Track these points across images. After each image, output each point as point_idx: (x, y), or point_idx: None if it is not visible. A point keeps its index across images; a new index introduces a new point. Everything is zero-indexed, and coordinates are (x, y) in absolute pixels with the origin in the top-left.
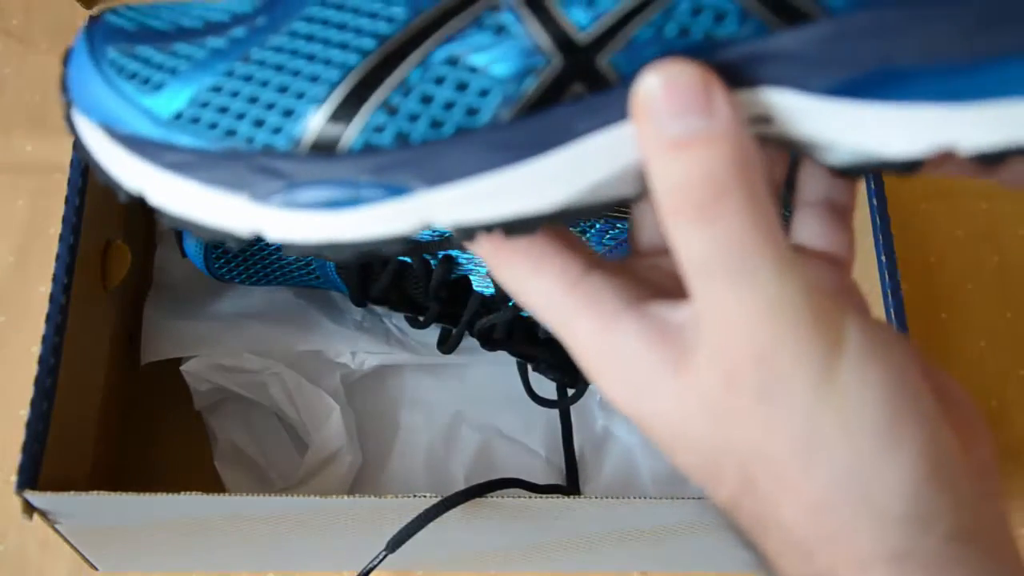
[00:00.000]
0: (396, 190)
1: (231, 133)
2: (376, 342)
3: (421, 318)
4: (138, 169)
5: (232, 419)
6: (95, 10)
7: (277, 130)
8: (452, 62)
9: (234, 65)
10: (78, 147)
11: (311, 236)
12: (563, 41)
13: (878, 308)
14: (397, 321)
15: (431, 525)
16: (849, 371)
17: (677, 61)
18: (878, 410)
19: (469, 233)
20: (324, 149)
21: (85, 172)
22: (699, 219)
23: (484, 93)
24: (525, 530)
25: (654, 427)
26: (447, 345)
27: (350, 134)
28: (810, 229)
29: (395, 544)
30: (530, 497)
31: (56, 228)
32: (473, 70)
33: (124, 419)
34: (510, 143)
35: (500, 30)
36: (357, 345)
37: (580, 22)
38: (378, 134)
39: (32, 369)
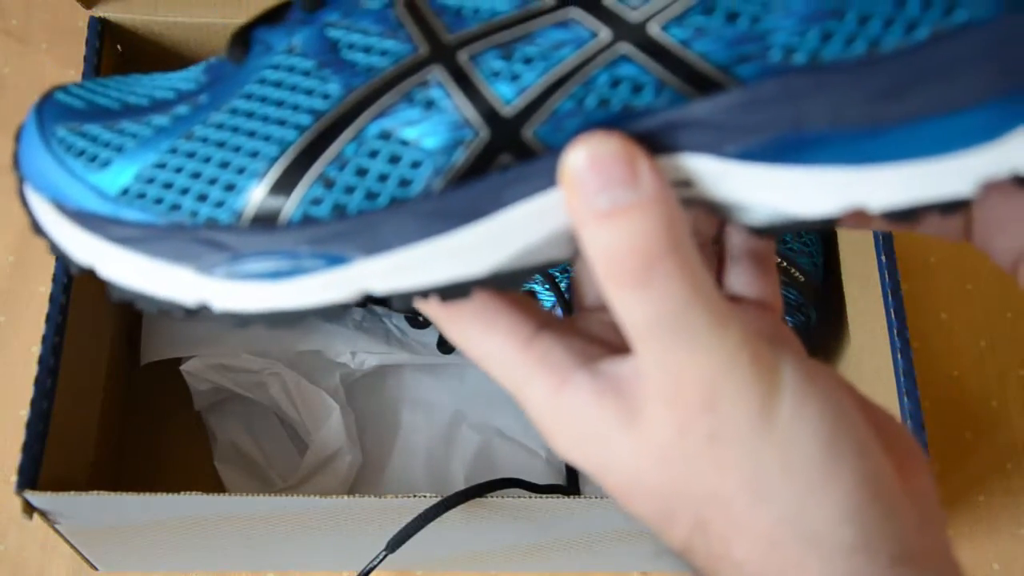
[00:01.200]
0: (334, 259)
1: (176, 208)
2: (376, 342)
3: (421, 318)
4: (88, 244)
5: (232, 419)
6: (95, 11)
7: (219, 204)
8: (385, 136)
9: (177, 142)
10: (32, 222)
11: (254, 305)
12: (489, 114)
13: (878, 308)
14: (397, 321)
15: (431, 525)
16: (787, 410)
17: (601, 135)
18: (816, 445)
19: (406, 299)
20: (265, 221)
21: None
22: (634, 284)
23: (416, 165)
24: (525, 530)
25: (609, 479)
26: (447, 345)
27: (289, 207)
28: (740, 280)
29: (395, 544)
30: (530, 497)
31: None
32: (405, 143)
33: (124, 419)
34: (442, 213)
35: (429, 105)
36: (357, 345)
37: (505, 96)
38: (316, 206)
39: (32, 369)
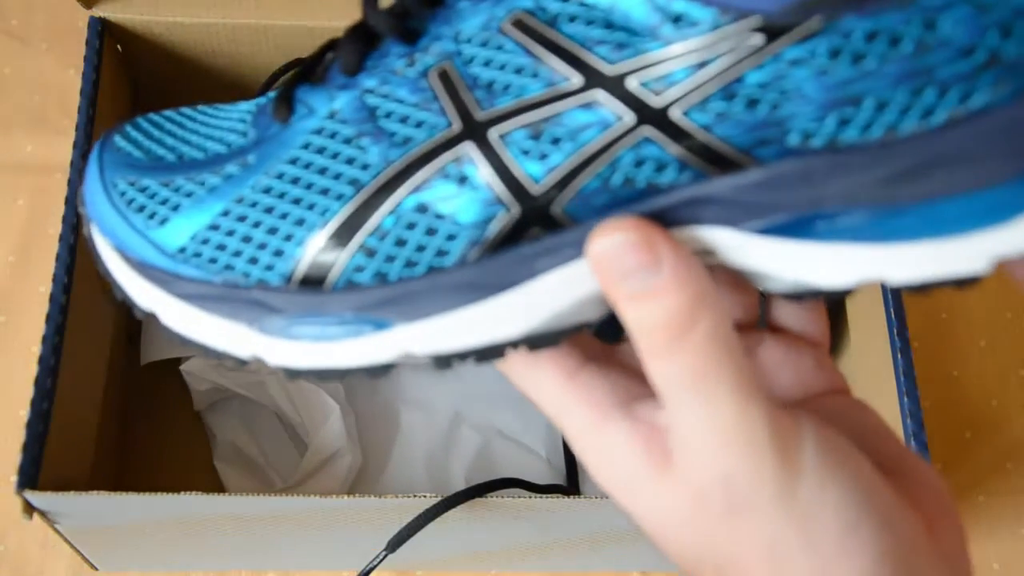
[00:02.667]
0: (378, 324)
1: (229, 268)
2: None
3: None
4: (151, 293)
5: (232, 419)
6: (95, 11)
7: (269, 267)
8: (421, 210)
9: (230, 205)
10: (96, 260)
11: (305, 363)
12: (519, 192)
13: (878, 308)
14: None
15: (431, 525)
16: (808, 488)
17: (619, 223)
18: (836, 522)
19: (445, 361)
20: (312, 285)
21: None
22: (664, 355)
23: (452, 237)
24: (525, 530)
25: (642, 522)
26: None
27: (334, 273)
28: (788, 314)
29: (395, 544)
30: (530, 497)
31: (56, 228)
32: (440, 217)
33: (124, 419)
34: (477, 283)
35: (463, 181)
36: None
37: (534, 175)
38: (359, 273)
39: (32, 369)
